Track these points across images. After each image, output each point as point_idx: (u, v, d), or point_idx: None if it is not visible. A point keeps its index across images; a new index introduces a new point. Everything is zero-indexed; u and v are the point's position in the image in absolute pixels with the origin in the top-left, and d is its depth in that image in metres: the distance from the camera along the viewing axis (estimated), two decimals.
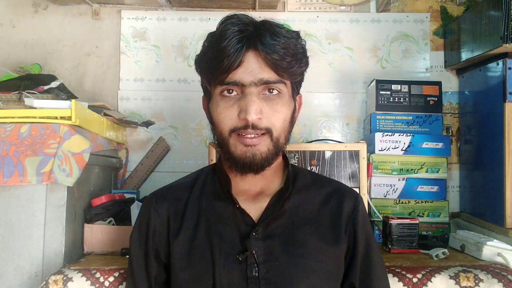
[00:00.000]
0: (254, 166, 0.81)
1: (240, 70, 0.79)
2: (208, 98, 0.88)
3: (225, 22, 0.81)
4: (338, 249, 0.85)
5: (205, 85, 0.89)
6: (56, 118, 1.17)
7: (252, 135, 0.79)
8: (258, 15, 0.85)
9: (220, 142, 0.84)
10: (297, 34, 0.84)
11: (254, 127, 0.79)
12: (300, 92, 0.92)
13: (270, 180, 0.89)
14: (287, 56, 0.80)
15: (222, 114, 0.81)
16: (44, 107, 1.19)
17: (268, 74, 0.80)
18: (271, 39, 0.79)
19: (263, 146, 0.80)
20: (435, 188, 1.48)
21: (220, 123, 0.82)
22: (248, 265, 0.80)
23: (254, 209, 0.85)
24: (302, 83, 0.91)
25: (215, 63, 0.80)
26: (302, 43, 0.85)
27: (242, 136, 0.80)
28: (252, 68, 0.79)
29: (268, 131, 0.80)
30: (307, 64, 0.86)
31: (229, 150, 0.82)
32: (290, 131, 0.86)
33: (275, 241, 0.82)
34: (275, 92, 0.82)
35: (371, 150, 1.50)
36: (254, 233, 0.82)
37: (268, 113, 0.80)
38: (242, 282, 0.80)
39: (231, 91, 0.81)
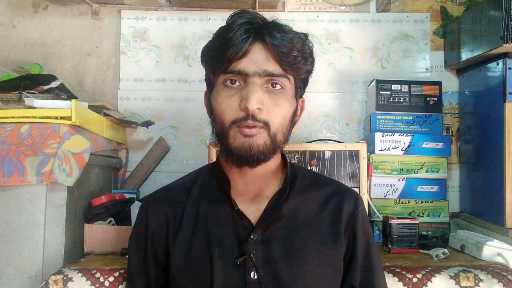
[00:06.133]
0: (249, 158, 0.79)
1: (245, 59, 0.79)
2: (210, 90, 0.87)
3: (235, 16, 0.82)
4: (337, 252, 0.84)
5: (208, 77, 0.88)
6: (56, 118, 1.17)
7: (251, 126, 0.78)
8: None
9: (220, 134, 0.82)
10: (305, 35, 0.85)
11: (253, 118, 0.77)
12: None
13: (268, 181, 0.88)
14: (294, 51, 0.80)
15: (223, 104, 0.80)
16: (44, 107, 1.19)
17: (273, 67, 0.79)
18: (279, 33, 0.79)
19: (260, 138, 0.79)
20: (435, 188, 1.48)
21: (221, 114, 0.80)
22: (247, 269, 0.80)
23: (253, 212, 0.84)
24: (307, 87, 0.91)
25: (220, 52, 0.80)
26: (310, 44, 0.85)
27: (241, 127, 0.78)
28: (257, 58, 0.79)
29: (266, 125, 0.79)
30: (312, 64, 0.86)
31: (228, 141, 0.80)
32: (289, 131, 0.85)
33: (274, 245, 0.82)
34: (278, 87, 0.81)
35: (371, 150, 1.50)
36: (252, 237, 0.81)
37: (269, 106, 0.79)
38: (241, 286, 0.79)
39: (234, 81, 0.80)
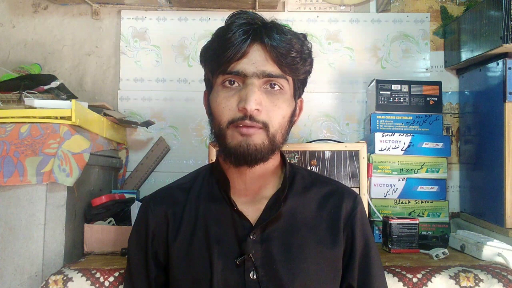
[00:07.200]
0: (248, 157, 0.79)
1: (244, 60, 0.79)
2: (209, 90, 0.87)
3: (234, 17, 0.82)
4: (336, 251, 0.84)
5: (207, 77, 0.88)
6: (56, 118, 1.18)
7: (249, 126, 0.78)
8: None
9: (218, 134, 0.82)
10: (304, 36, 0.85)
11: (251, 118, 0.77)
12: None
13: (268, 180, 0.88)
14: (292, 52, 0.80)
15: (221, 104, 0.80)
16: (44, 107, 1.19)
17: (272, 68, 0.80)
18: (278, 34, 0.80)
19: (258, 138, 0.79)
20: (435, 188, 1.48)
21: (219, 114, 0.80)
22: (246, 268, 0.80)
23: (252, 211, 0.84)
24: (305, 87, 0.91)
25: (219, 52, 0.80)
26: (308, 45, 0.85)
27: (239, 127, 0.78)
28: (256, 59, 0.79)
29: (265, 126, 0.79)
30: (311, 65, 0.86)
31: (225, 141, 0.80)
32: (288, 131, 0.85)
33: (273, 245, 0.82)
34: (276, 87, 0.81)
35: (371, 150, 1.50)
36: (251, 237, 0.82)
37: (268, 106, 0.79)
38: (240, 286, 0.79)
39: (232, 82, 0.80)
